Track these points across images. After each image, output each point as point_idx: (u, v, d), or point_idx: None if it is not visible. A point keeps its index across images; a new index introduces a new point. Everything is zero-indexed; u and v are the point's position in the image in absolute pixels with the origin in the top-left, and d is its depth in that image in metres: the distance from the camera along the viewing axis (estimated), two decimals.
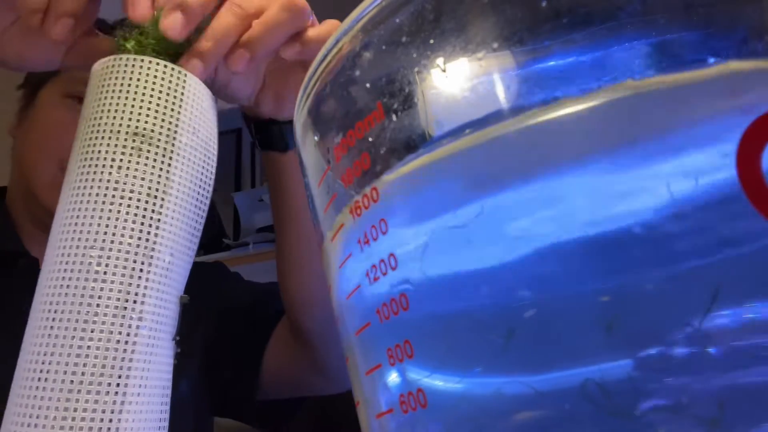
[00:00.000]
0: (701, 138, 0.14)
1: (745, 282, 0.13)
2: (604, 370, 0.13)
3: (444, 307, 0.17)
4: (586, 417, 0.14)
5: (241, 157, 2.05)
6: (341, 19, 0.20)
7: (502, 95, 0.16)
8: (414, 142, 0.18)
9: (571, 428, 0.14)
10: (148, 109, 0.29)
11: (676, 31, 0.16)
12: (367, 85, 0.20)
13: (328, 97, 0.21)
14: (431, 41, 0.18)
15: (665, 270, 0.13)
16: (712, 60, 0.15)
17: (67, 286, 0.26)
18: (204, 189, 0.31)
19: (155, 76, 0.30)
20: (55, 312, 0.26)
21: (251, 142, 2.14)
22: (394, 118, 0.18)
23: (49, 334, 0.26)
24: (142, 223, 0.28)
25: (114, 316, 0.26)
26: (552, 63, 0.16)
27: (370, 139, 0.19)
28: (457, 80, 0.17)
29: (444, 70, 0.17)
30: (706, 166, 0.14)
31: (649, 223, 0.14)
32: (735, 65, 0.15)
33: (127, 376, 0.26)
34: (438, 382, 0.16)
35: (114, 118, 0.29)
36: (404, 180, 0.18)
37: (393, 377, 0.18)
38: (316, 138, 0.23)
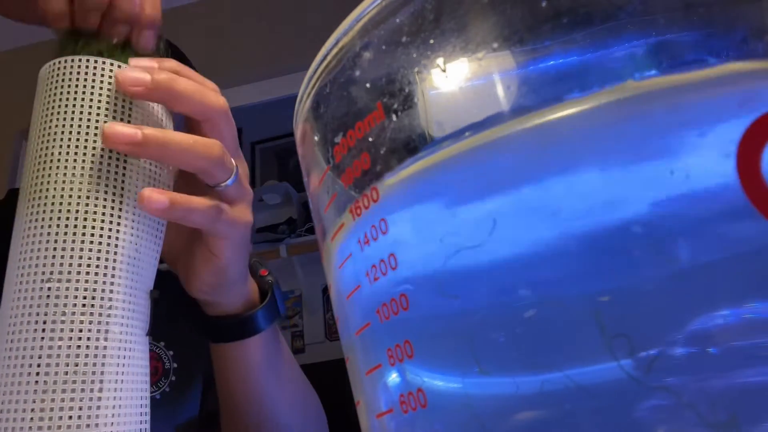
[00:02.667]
0: (701, 138, 0.14)
1: (745, 282, 0.13)
2: (604, 370, 0.13)
3: (444, 307, 0.17)
4: (586, 417, 0.14)
5: None
6: (341, 19, 0.20)
7: (502, 96, 0.16)
8: (414, 143, 0.18)
9: (571, 428, 0.14)
10: (98, 108, 0.29)
11: (676, 31, 0.16)
12: (367, 85, 0.20)
13: (328, 97, 0.21)
14: (431, 41, 0.18)
15: (665, 270, 0.13)
16: (712, 60, 0.15)
17: (32, 288, 0.26)
18: (163, 182, 0.31)
19: (100, 75, 0.30)
20: (22, 315, 0.26)
21: (251, 143, 2.14)
22: (394, 118, 0.18)
23: (18, 339, 0.25)
24: (103, 220, 0.27)
25: (82, 313, 0.26)
26: (552, 63, 0.16)
27: (370, 139, 0.19)
28: (457, 80, 0.17)
29: (444, 70, 0.17)
30: (706, 166, 0.14)
31: (649, 223, 0.14)
32: (735, 65, 0.15)
33: (102, 372, 0.26)
34: (438, 382, 0.16)
35: (64, 119, 0.28)
36: (404, 180, 0.18)
37: (393, 377, 0.18)
38: (316, 138, 0.23)
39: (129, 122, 0.30)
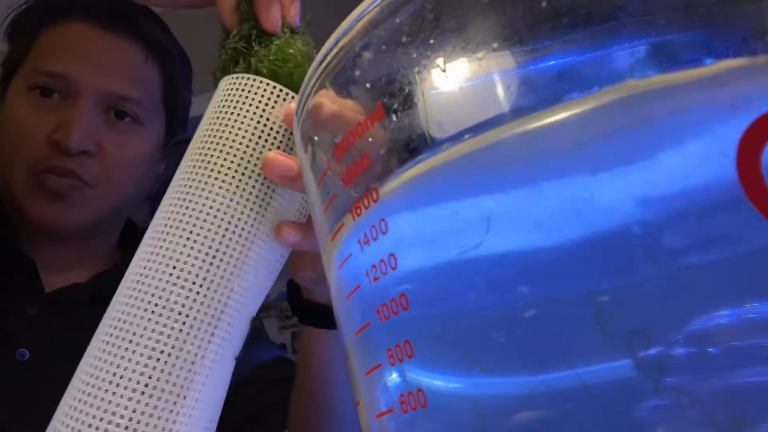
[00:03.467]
0: (701, 138, 0.14)
1: (745, 282, 0.13)
2: (604, 370, 0.13)
3: (444, 307, 0.17)
4: (586, 417, 0.14)
5: None
6: (341, 19, 0.20)
7: (502, 96, 0.16)
8: (414, 143, 0.18)
9: (571, 428, 0.14)
10: (262, 131, 0.29)
11: (676, 31, 0.16)
12: (367, 85, 0.20)
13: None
14: (431, 41, 0.18)
15: (665, 270, 0.13)
16: (712, 60, 0.15)
17: (149, 284, 0.26)
18: (301, 212, 0.32)
19: (273, 100, 0.30)
20: (134, 307, 0.26)
21: None
22: (394, 118, 0.18)
23: (124, 328, 0.26)
24: (237, 241, 0.28)
25: (191, 326, 0.26)
26: (552, 63, 0.16)
27: (370, 139, 0.19)
28: (457, 80, 0.17)
29: (444, 70, 0.17)
30: (706, 166, 0.14)
31: (649, 223, 0.14)
32: (735, 65, 0.15)
33: (188, 388, 0.26)
34: (438, 382, 0.16)
35: (229, 134, 0.29)
36: (405, 181, 0.18)
37: (393, 377, 0.18)
38: (316, 138, 0.23)
39: (288, 146, 0.30)
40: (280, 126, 0.30)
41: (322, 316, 0.44)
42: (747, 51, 0.15)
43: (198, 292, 0.26)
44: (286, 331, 1.88)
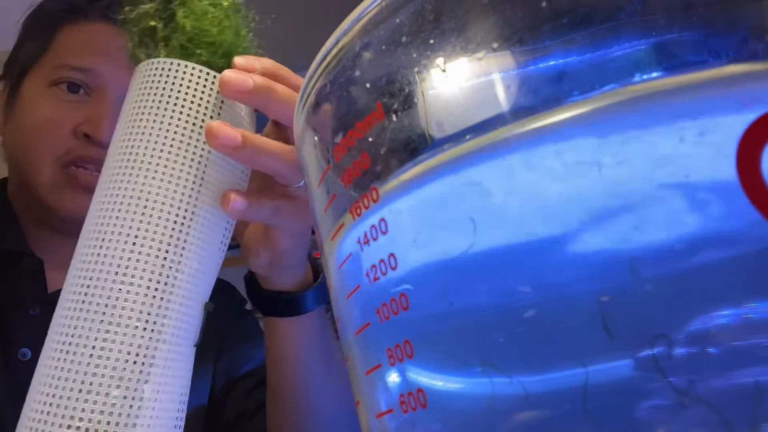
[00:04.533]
0: (701, 138, 0.14)
1: (745, 282, 0.13)
2: (604, 370, 0.13)
3: (444, 306, 0.17)
4: (586, 417, 0.14)
5: None
6: (341, 19, 0.20)
7: (502, 96, 0.16)
8: (414, 143, 0.18)
9: (571, 428, 0.14)
10: (188, 115, 0.29)
11: (676, 31, 0.16)
12: (367, 85, 0.20)
13: (328, 97, 0.21)
14: (431, 41, 0.18)
15: (665, 270, 0.13)
16: (712, 60, 0.15)
17: (95, 287, 0.26)
18: (240, 185, 0.32)
19: (197, 83, 0.30)
20: (80, 311, 0.26)
21: None
22: (394, 118, 0.18)
23: (72, 333, 0.26)
24: (173, 228, 0.28)
25: (138, 319, 0.26)
26: (552, 63, 0.16)
27: (370, 139, 0.19)
28: (457, 80, 0.17)
29: (444, 70, 0.17)
30: (706, 166, 0.14)
31: (649, 223, 0.14)
32: (735, 65, 0.15)
33: (146, 381, 0.26)
34: (438, 382, 0.16)
35: (154, 121, 0.29)
36: (405, 181, 0.18)
37: (393, 377, 0.18)
38: (316, 138, 0.23)
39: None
40: (202, 97, 0.30)
41: (284, 304, 0.43)
42: (747, 51, 0.15)
43: (140, 285, 0.26)
44: None
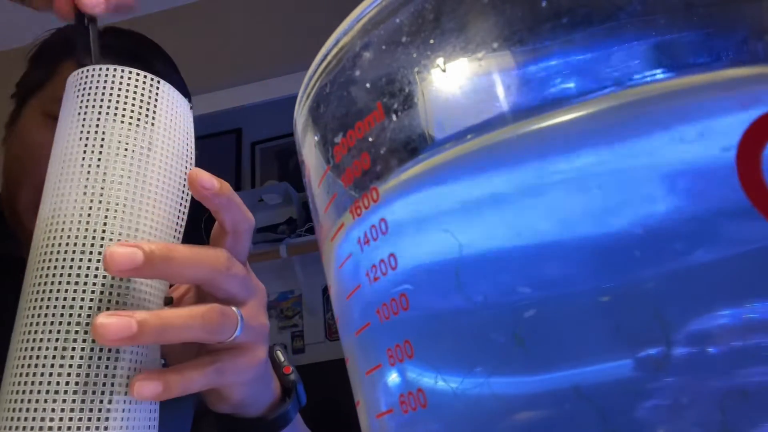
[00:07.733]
0: (701, 138, 0.14)
1: (746, 282, 0.13)
2: (604, 370, 0.13)
3: (444, 307, 0.17)
4: (586, 417, 0.14)
5: (241, 157, 2.06)
6: (341, 19, 0.20)
7: (502, 96, 0.16)
8: (414, 143, 0.18)
9: (571, 428, 0.14)
10: (123, 117, 0.29)
11: (676, 31, 0.16)
12: (367, 85, 0.20)
13: (328, 97, 0.21)
14: (431, 41, 0.18)
15: (665, 270, 0.13)
16: (712, 61, 0.15)
17: (48, 298, 0.26)
18: (182, 192, 0.31)
19: (128, 85, 0.30)
20: (36, 324, 0.26)
21: (251, 143, 2.14)
22: (394, 118, 0.18)
23: (32, 347, 0.25)
24: (121, 226, 0.28)
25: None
26: (552, 63, 0.16)
27: (370, 139, 0.19)
28: (457, 80, 0.17)
29: (444, 70, 0.17)
30: (706, 167, 0.14)
31: (649, 223, 0.14)
32: (735, 66, 0.15)
33: (112, 384, 0.26)
34: (438, 382, 0.16)
35: (89, 126, 0.29)
36: (405, 180, 0.18)
37: (393, 377, 0.18)
38: (316, 138, 0.23)
39: (152, 133, 0.30)
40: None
41: (265, 428, 0.40)
42: (747, 51, 0.15)
43: (93, 291, 0.26)
44: (286, 331, 1.88)
